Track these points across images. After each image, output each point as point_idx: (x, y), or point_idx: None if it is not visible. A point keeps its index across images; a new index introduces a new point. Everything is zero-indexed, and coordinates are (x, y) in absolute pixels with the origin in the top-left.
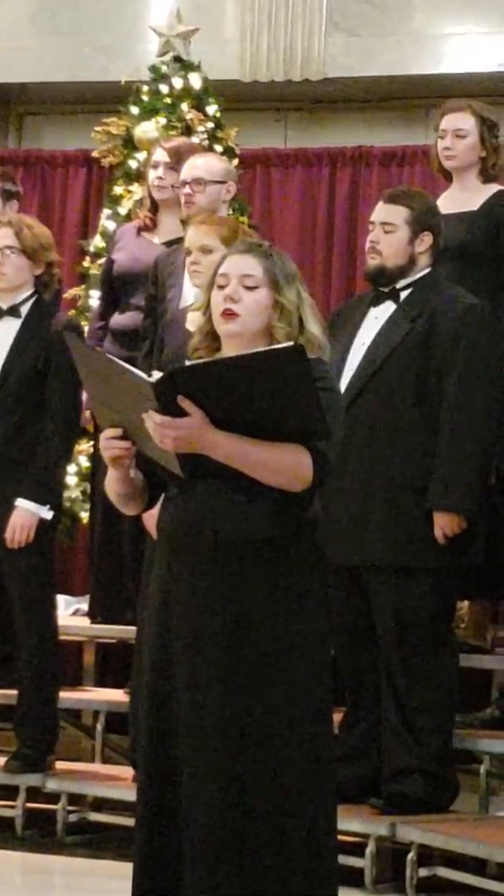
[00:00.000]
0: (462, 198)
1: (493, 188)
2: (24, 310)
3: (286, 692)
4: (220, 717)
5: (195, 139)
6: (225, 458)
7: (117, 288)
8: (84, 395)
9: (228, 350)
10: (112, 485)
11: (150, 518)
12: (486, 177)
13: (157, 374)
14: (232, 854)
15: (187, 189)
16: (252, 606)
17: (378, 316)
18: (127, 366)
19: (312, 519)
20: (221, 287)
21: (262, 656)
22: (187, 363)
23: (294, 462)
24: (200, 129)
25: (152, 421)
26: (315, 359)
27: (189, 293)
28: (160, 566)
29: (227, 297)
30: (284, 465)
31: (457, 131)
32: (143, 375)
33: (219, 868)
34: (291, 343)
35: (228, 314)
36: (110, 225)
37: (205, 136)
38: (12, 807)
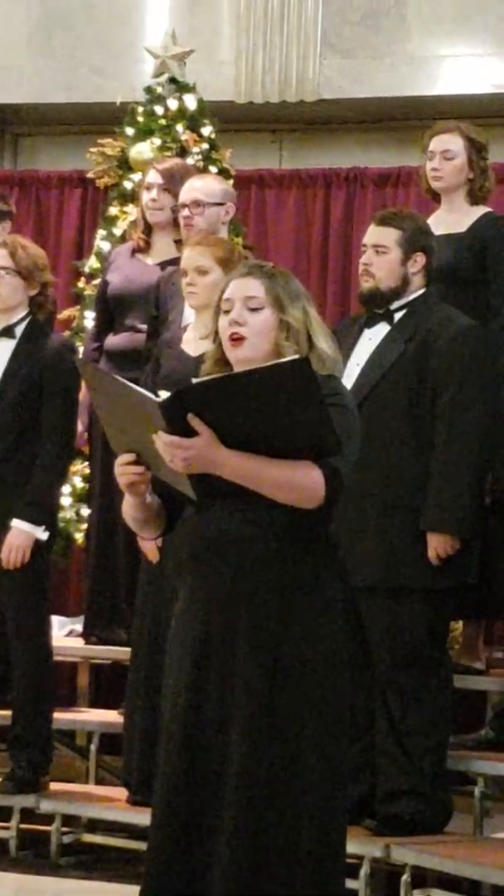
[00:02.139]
0: (450, 219)
1: (481, 210)
2: (19, 331)
3: (305, 707)
4: (245, 730)
5: (190, 160)
6: (235, 477)
7: (112, 309)
8: (79, 417)
9: None
10: (129, 510)
11: (147, 544)
12: (474, 199)
13: (164, 394)
14: (251, 864)
15: (186, 211)
16: (270, 624)
17: (372, 337)
18: (135, 387)
19: (330, 536)
20: (227, 312)
21: (281, 672)
22: (193, 381)
23: (305, 479)
24: (195, 150)
25: (161, 441)
26: (326, 375)
27: (190, 314)
28: (184, 587)
29: (233, 320)
30: (296, 483)
31: (445, 153)
32: (151, 395)
33: (238, 876)
34: (296, 356)
35: (235, 339)
36: (105, 246)
37: (200, 157)
38: (6, 828)
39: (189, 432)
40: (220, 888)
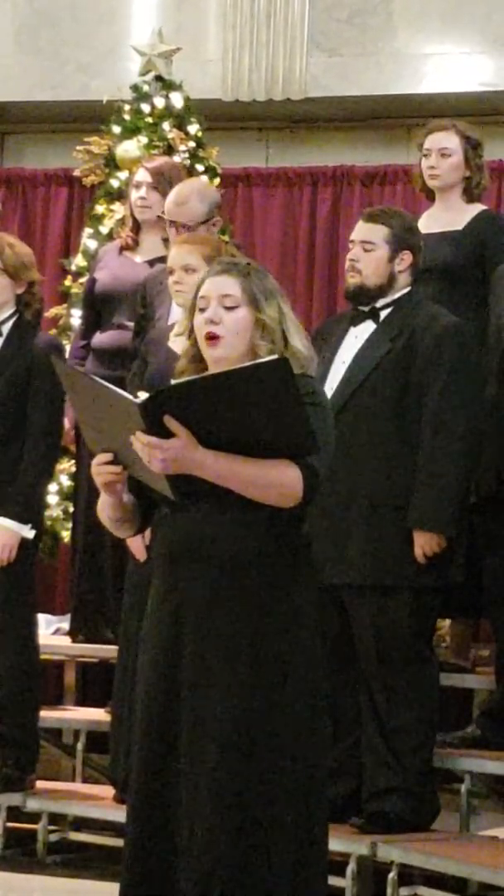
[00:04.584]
0: (446, 217)
1: (477, 208)
2: (6, 329)
3: (281, 704)
4: (219, 729)
5: (177, 158)
6: (213, 478)
7: (99, 307)
8: (66, 415)
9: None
10: (105, 510)
11: (134, 542)
12: (470, 196)
13: (143, 395)
14: (224, 864)
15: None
16: (246, 625)
17: (358, 335)
18: (113, 388)
19: (305, 537)
20: (202, 310)
21: (257, 671)
22: (172, 382)
23: (283, 478)
24: (182, 148)
25: (139, 442)
26: (300, 374)
27: (177, 312)
28: (157, 587)
29: (208, 319)
30: (273, 482)
31: (442, 150)
32: (130, 397)
33: (210, 878)
34: (275, 356)
35: (212, 338)
36: (92, 244)
37: (186, 155)
38: None
39: (168, 433)
40: (193, 890)
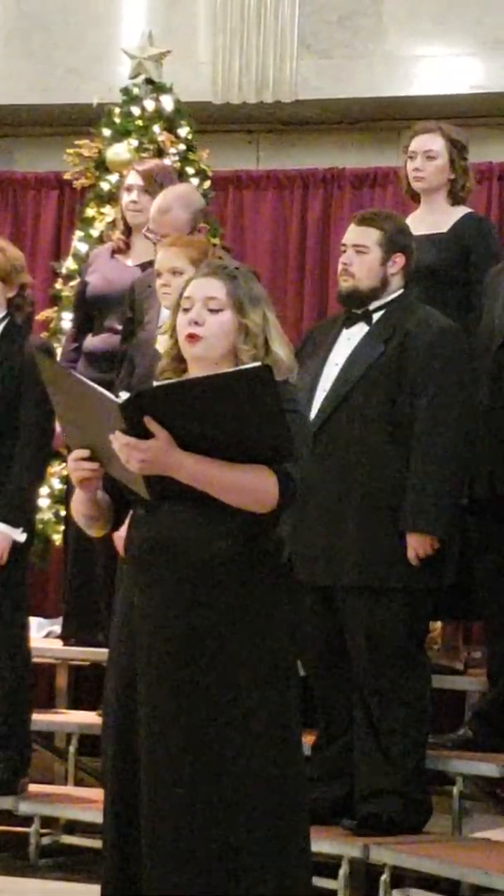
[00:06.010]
0: (431, 220)
1: (462, 210)
2: None
3: (247, 710)
4: (180, 733)
5: (167, 161)
6: (190, 480)
7: (91, 310)
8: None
9: (195, 372)
10: (78, 506)
11: (122, 540)
12: (455, 199)
13: (124, 395)
14: (191, 871)
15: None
16: (215, 626)
17: (351, 337)
18: (96, 386)
19: (278, 539)
20: (186, 310)
21: (223, 674)
22: (154, 384)
23: (259, 484)
24: (172, 150)
25: (118, 442)
26: (281, 381)
27: (166, 316)
28: (126, 586)
29: (191, 320)
30: (250, 487)
31: (427, 153)
32: (111, 396)
33: (177, 885)
34: (258, 364)
35: (192, 337)
36: (82, 247)
37: (176, 158)
38: None
39: (147, 433)
40: (149, 890)
